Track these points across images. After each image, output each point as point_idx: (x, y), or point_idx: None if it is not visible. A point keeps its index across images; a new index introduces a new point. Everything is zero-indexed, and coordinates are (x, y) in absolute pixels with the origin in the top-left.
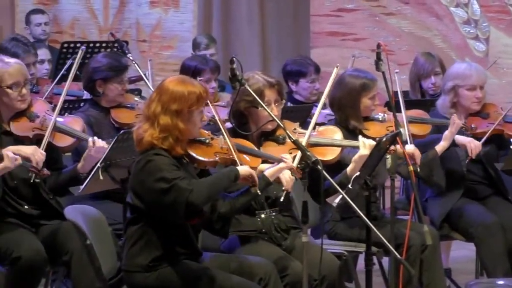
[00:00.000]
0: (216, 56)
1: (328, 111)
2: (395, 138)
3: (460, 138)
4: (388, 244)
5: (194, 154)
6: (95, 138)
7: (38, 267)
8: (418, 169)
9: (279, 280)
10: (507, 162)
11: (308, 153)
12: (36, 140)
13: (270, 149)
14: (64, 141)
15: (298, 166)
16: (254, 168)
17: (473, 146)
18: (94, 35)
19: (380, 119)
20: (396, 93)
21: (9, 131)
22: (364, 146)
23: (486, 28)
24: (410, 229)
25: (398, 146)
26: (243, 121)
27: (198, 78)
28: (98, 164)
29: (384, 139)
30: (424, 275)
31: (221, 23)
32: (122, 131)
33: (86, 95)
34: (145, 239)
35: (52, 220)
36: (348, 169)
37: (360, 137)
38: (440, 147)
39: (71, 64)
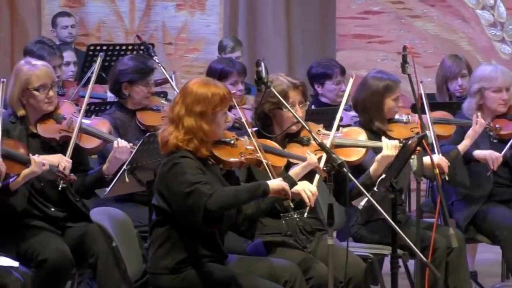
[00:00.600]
0: (242, 59)
1: (353, 113)
2: (421, 140)
3: (480, 153)
4: (414, 247)
5: (219, 155)
6: (119, 139)
7: (64, 269)
8: (447, 178)
9: (305, 282)
10: None
11: (333, 155)
12: (62, 142)
13: (294, 150)
14: (90, 143)
15: (324, 168)
16: (279, 168)
17: (494, 158)
18: (120, 37)
19: (405, 120)
20: (420, 95)
21: (36, 133)
22: (387, 147)
23: None
24: (436, 231)
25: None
26: (267, 123)
27: (225, 81)
28: (124, 167)
29: (410, 141)
30: (449, 278)
31: (247, 25)
32: (148, 134)
33: (110, 97)
34: (171, 241)
35: (78, 222)
36: (371, 169)
37: (383, 138)
38: (463, 146)
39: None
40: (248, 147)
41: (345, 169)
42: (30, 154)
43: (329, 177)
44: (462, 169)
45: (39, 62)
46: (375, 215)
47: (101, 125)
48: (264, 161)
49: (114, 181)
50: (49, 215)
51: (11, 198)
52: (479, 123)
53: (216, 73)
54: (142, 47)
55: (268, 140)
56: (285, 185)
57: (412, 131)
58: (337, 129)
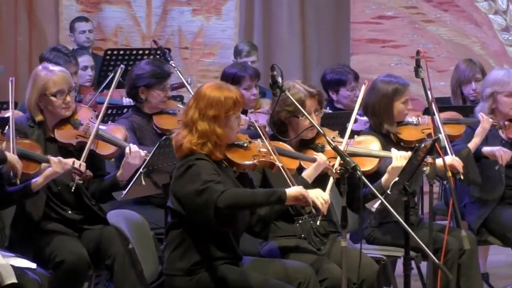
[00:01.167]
0: (257, 63)
1: (366, 118)
2: (434, 144)
3: (489, 149)
4: (426, 249)
5: (232, 158)
6: (131, 144)
7: (81, 271)
8: (462, 177)
9: (318, 284)
10: None
11: (347, 158)
12: (79, 147)
13: (310, 155)
14: (106, 150)
15: (338, 171)
16: (292, 170)
17: (502, 153)
18: (137, 42)
19: (415, 122)
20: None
21: (53, 137)
22: (397, 158)
23: None
24: (448, 234)
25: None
26: (283, 129)
27: (238, 86)
28: (141, 170)
29: (423, 145)
30: (461, 280)
31: (262, 30)
32: (164, 137)
33: (126, 103)
34: (186, 243)
35: (95, 225)
36: (383, 179)
37: (393, 149)
38: (473, 144)
39: (113, 77)
40: (261, 149)
41: (358, 172)
42: (49, 156)
43: (343, 180)
44: (474, 167)
45: (56, 68)
46: (388, 217)
47: (117, 131)
48: (278, 164)
49: (131, 184)
50: (66, 217)
51: (27, 206)
52: (485, 120)
53: (230, 78)
54: (158, 52)
55: (281, 143)
56: (304, 191)
57: (423, 132)
58: (351, 136)
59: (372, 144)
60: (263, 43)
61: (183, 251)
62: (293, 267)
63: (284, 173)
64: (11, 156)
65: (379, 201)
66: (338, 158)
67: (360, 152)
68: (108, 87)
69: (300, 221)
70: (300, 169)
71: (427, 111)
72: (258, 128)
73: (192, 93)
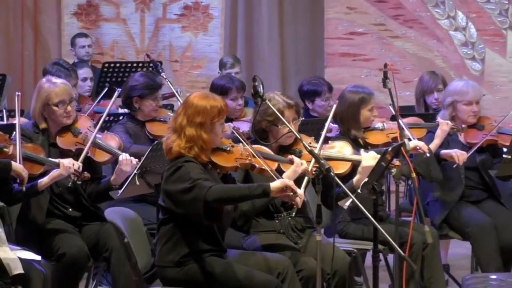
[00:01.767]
0: (240, 75)
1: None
2: (400, 147)
3: (446, 151)
4: (393, 242)
5: (216, 161)
6: (123, 153)
7: (81, 263)
8: (428, 154)
9: (295, 274)
10: (500, 169)
11: (321, 161)
12: (78, 153)
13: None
14: (102, 157)
15: (313, 172)
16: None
17: (459, 154)
18: (132, 56)
19: (380, 128)
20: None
21: (55, 143)
22: (366, 159)
23: (482, 49)
24: (413, 229)
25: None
26: (264, 136)
27: (226, 97)
28: (135, 171)
29: (390, 149)
30: (425, 270)
31: (245, 45)
32: (155, 142)
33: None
34: (176, 237)
35: (93, 221)
36: (355, 179)
37: (362, 151)
38: (434, 144)
39: (110, 89)
40: (242, 152)
41: (332, 173)
42: (59, 159)
43: (318, 181)
44: (435, 166)
45: (58, 80)
46: (359, 214)
47: (112, 140)
48: (258, 165)
49: (126, 184)
50: (67, 215)
51: (32, 205)
52: (444, 122)
53: (218, 89)
54: (151, 65)
55: (261, 147)
56: (288, 181)
57: (388, 136)
58: (326, 142)
59: (344, 148)
60: (245, 56)
61: (173, 244)
62: (273, 259)
63: (268, 169)
64: (17, 166)
65: (351, 199)
66: (313, 160)
67: (333, 156)
68: (105, 97)
69: (279, 218)
70: (280, 171)
71: (394, 118)
72: (238, 135)
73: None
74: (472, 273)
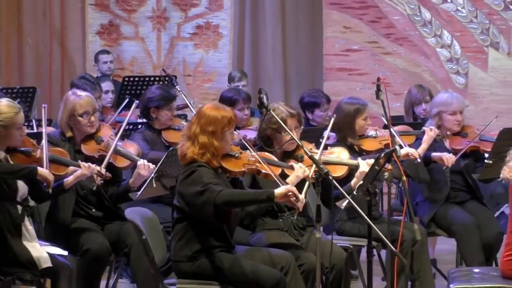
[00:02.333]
0: (247, 88)
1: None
2: (391, 153)
3: (436, 154)
4: (386, 239)
5: (226, 166)
6: (141, 159)
7: (104, 257)
8: (419, 160)
9: (297, 268)
10: (483, 173)
11: (321, 165)
12: (100, 159)
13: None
14: (122, 163)
15: (313, 176)
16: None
17: (448, 157)
18: (149, 71)
19: (374, 135)
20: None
21: (80, 150)
22: (364, 165)
23: (466, 65)
24: (403, 227)
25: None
26: (268, 143)
27: (233, 108)
28: (152, 175)
29: (382, 154)
30: (414, 265)
31: (251, 61)
32: (171, 148)
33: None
34: (189, 235)
35: (114, 220)
36: (352, 182)
37: (359, 158)
38: (421, 149)
39: (130, 101)
40: (250, 159)
41: (330, 177)
42: (79, 161)
43: (317, 183)
44: (423, 168)
45: (83, 93)
46: (355, 213)
47: (131, 147)
48: (264, 170)
49: (144, 187)
50: (91, 215)
51: (60, 206)
52: (427, 130)
53: (227, 100)
54: (166, 78)
55: (267, 154)
56: (290, 187)
57: (381, 143)
58: (325, 148)
59: (342, 153)
60: (251, 71)
61: (186, 241)
62: (277, 254)
63: (272, 174)
64: (43, 171)
65: (347, 200)
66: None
67: (332, 161)
68: (126, 108)
69: (282, 217)
70: (284, 175)
71: (386, 127)
72: (246, 143)
73: (194, 112)
74: (457, 267)
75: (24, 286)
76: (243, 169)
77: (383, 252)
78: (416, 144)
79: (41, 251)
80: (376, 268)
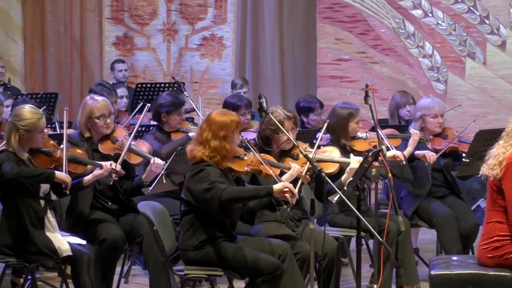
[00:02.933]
0: (248, 94)
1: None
2: (378, 153)
3: (420, 152)
4: (373, 230)
5: (232, 167)
6: (155, 158)
7: (118, 246)
8: (405, 162)
9: (293, 256)
10: (460, 170)
11: (315, 163)
12: (116, 157)
13: (287, 163)
14: (135, 160)
15: (308, 173)
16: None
17: (430, 155)
18: (160, 78)
19: (364, 137)
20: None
21: (98, 149)
22: (354, 162)
23: (445, 73)
24: (389, 219)
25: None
26: (267, 143)
27: (236, 112)
28: (162, 172)
29: (370, 153)
30: (399, 253)
31: (252, 69)
32: (179, 148)
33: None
34: (195, 226)
35: (128, 213)
36: (343, 178)
37: (351, 155)
38: (407, 151)
39: (143, 105)
40: (252, 160)
41: (323, 173)
42: (102, 162)
43: (311, 180)
44: (408, 169)
45: (100, 98)
46: (345, 207)
47: (144, 146)
48: (267, 171)
49: (155, 182)
50: (107, 207)
51: (79, 199)
52: (415, 133)
53: (230, 106)
54: (175, 85)
55: (267, 155)
56: (287, 184)
57: (370, 144)
58: (318, 147)
59: (334, 152)
60: (252, 78)
61: (193, 231)
62: (275, 243)
63: (273, 174)
64: (60, 175)
65: (338, 195)
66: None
67: (324, 159)
68: (139, 112)
69: (280, 210)
70: (283, 174)
71: (373, 129)
72: (250, 145)
73: (201, 116)
74: (437, 255)
75: (47, 272)
76: (247, 169)
77: (371, 242)
78: (402, 146)
79: (62, 241)
80: (365, 256)
